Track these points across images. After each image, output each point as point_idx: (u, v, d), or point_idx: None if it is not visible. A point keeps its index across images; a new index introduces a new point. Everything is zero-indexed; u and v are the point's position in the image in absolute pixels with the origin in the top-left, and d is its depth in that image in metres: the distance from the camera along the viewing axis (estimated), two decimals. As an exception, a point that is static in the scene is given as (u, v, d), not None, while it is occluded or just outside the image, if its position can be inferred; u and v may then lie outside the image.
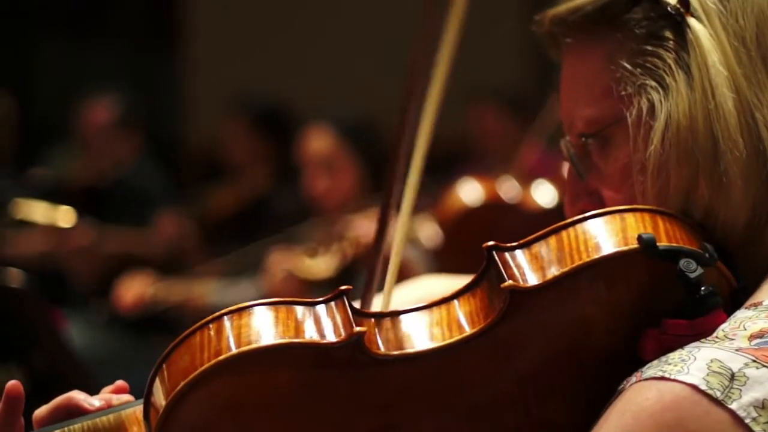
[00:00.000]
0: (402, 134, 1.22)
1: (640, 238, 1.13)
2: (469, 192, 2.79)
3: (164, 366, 1.04)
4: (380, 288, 1.23)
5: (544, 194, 2.84)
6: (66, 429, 1.14)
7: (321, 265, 2.81)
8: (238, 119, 4.74)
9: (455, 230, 2.73)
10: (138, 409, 1.09)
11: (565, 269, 1.11)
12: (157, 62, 7.82)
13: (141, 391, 1.11)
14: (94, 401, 1.17)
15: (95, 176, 5.06)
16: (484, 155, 5.58)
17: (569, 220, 1.16)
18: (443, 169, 4.97)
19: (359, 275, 3.36)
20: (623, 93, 1.27)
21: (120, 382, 1.21)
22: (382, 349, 1.07)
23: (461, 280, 1.38)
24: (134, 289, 4.20)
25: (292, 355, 1.04)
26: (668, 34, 1.27)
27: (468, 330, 1.10)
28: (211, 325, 1.04)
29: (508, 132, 5.49)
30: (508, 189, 2.83)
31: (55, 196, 2.98)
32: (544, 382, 1.14)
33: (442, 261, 2.62)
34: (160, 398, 1.04)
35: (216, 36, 7.23)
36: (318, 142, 3.54)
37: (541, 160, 5.15)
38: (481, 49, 6.86)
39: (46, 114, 8.83)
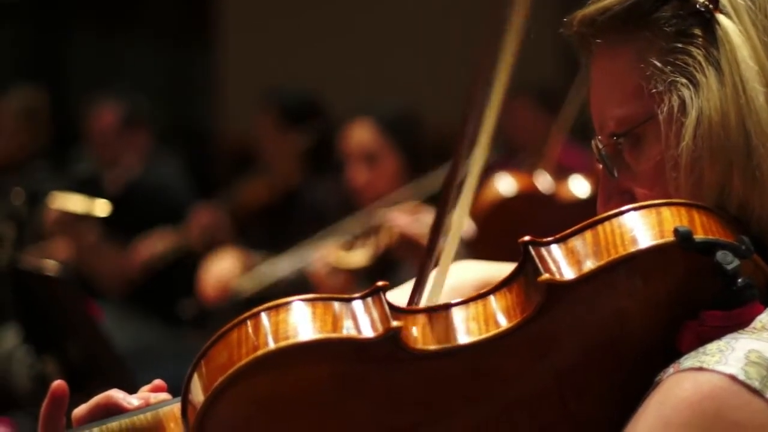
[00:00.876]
0: (465, 129, 1.22)
1: (676, 231, 1.13)
2: (504, 184, 2.79)
3: (202, 363, 1.05)
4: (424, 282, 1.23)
5: (578, 186, 2.84)
6: (104, 427, 1.14)
7: (358, 257, 2.82)
8: (270, 112, 4.73)
9: (489, 221, 2.72)
10: (176, 406, 1.10)
11: (602, 263, 1.11)
12: (191, 56, 7.84)
13: (175, 382, 1.11)
14: (133, 400, 1.17)
15: (112, 185, 5.07)
16: (518, 150, 5.57)
17: (605, 214, 1.16)
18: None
19: (397, 267, 3.37)
20: (654, 91, 1.27)
21: (157, 381, 1.21)
22: (419, 344, 1.07)
23: (492, 266, 1.38)
24: (218, 279, 4.20)
25: (329, 351, 1.04)
26: (697, 31, 1.27)
27: (505, 325, 1.10)
28: (248, 322, 1.05)
29: (540, 127, 5.48)
30: (543, 181, 2.83)
31: (91, 188, 3.01)
32: (580, 376, 1.14)
33: (475, 252, 2.62)
34: (197, 395, 1.04)
35: (249, 29, 7.24)
36: (360, 135, 3.55)
37: (567, 151, 5.14)
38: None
39: (79, 108, 8.87)
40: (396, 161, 3.40)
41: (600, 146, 1.33)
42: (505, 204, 2.74)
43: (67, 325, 2.78)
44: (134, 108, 5.20)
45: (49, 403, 1.17)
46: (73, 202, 3.12)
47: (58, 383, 1.17)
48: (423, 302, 1.17)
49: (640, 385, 1.13)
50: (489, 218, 2.73)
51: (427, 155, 3.46)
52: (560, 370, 1.12)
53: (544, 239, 1.14)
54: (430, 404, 1.10)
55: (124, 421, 1.13)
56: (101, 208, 3.23)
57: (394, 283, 1.19)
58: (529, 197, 2.77)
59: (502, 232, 2.69)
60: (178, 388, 1.11)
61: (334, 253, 2.86)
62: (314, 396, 1.05)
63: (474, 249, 2.65)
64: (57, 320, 2.81)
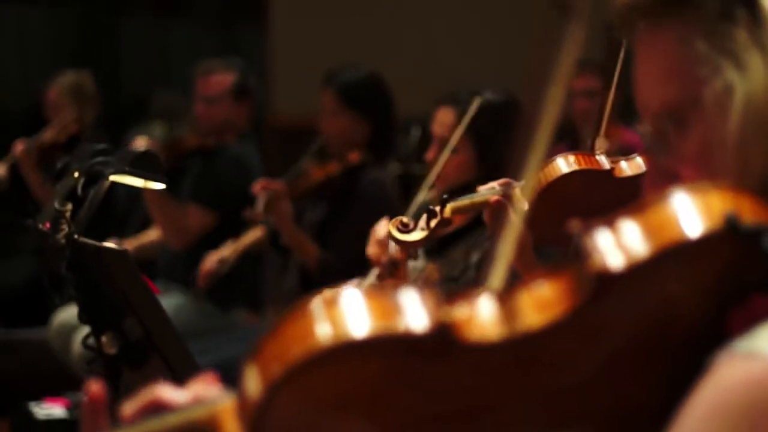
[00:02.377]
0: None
1: (725, 216, 1.11)
2: (563, 160, 2.77)
3: (256, 359, 1.04)
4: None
5: (636, 162, 2.82)
6: (154, 426, 1.12)
7: (415, 238, 2.80)
8: (328, 94, 4.72)
9: (545, 196, 2.70)
10: (231, 402, 1.08)
11: (651, 250, 1.10)
12: (244, 37, 7.86)
13: (229, 365, 1.09)
14: (183, 395, 1.13)
15: (201, 142, 5.10)
16: (577, 134, 5.56)
17: (653, 199, 1.14)
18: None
19: (448, 245, 3.35)
20: (698, 73, 1.26)
21: (209, 373, 1.17)
22: (473, 336, 1.07)
23: None
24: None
25: (382, 347, 1.03)
26: (740, 12, 1.26)
27: (555, 313, 1.09)
28: (302, 316, 1.04)
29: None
30: (601, 158, 2.81)
31: (148, 166, 3.01)
32: (630, 362, 1.13)
33: (528, 227, 2.60)
34: (252, 393, 1.03)
35: (300, 11, 7.24)
36: (443, 120, 3.55)
37: (627, 132, 5.12)
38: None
39: (131, 93, 8.92)
40: (469, 149, 3.41)
41: (646, 129, 1.32)
42: (563, 179, 2.72)
43: (126, 302, 2.78)
44: (243, 80, 5.22)
45: (87, 410, 1.14)
46: (130, 182, 3.12)
47: (94, 387, 1.14)
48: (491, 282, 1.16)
49: (690, 369, 1.11)
50: (545, 193, 2.71)
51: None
52: (609, 357, 1.12)
53: (594, 225, 1.13)
54: (480, 392, 1.09)
55: (177, 419, 1.10)
56: (157, 186, 3.23)
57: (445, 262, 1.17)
58: (587, 173, 2.75)
59: (557, 207, 2.68)
60: (232, 372, 1.09)
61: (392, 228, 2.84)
62: (367, 389, 1.04)
63: (527, 224, 2.63)
64: (116, 298, 2.81)
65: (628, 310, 1.11)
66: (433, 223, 2.78)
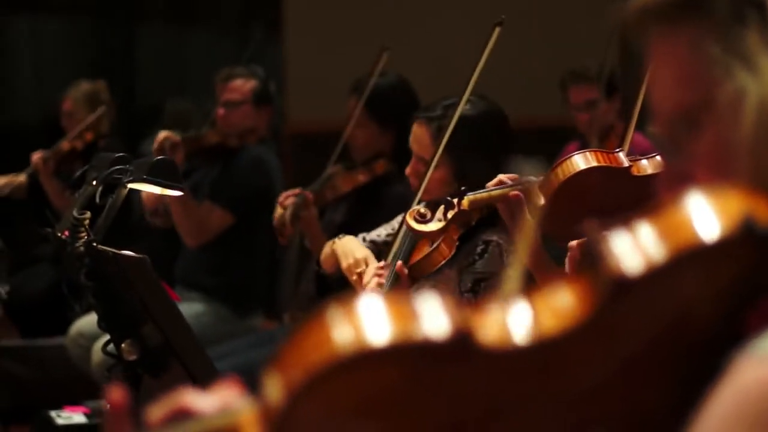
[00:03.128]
0: None
1: (742, 219, 1.11)
2: (580, 157, 2.77)
3: (276, 367, 1.04)
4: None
5: (653, 161, 2.82)
6: (179, 431, 1.12)
7: (432, 228, 2.81)
8: (354, 103, 4.72)
9: (562, 192, 2.71)
10: (251, 410, 1.08)
11: (668, 253, 1.09)
12: (259, 45, 7.86)
13: (249, 371, 1.09)
14: (207, 401, 1.12)
15: (222, 140, 5.12)
16: (586, 137, 5.56)
17: (669, 202, 1.14)
18: (549, 151, 4.95)
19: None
20: (711, 76, 1.26)
21: (232, 378, 1.17)
22: (491, 341, 1.07)
23: None
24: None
25: (404, 353, 1.04)
26: (752, 15, 1.26)
27: (572, 318, 1.09)
28: (321, 324, 1.04)
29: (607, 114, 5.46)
30: (619, 156, 2.81)
31: (166, 174, 3.04)
32: (647, 365, 1.13)
33: (544, 223, 2.60)
34: (274, 401, 1.03)
35: (316, 18, 7.25)
36: (416, 135, 3.55)
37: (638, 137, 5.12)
38: (582, 32, 6.81)
39: (147, 101, 8.93)
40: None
41: (659, 132, 1.33)
42: (581, 176, 2.72)
43: (145, 309, 2.79)
44: (264, 86, 5.24)
45: (110, 416, 1.14)
46: (148, 189, 3.14)
47: (116, 393, 1.13)
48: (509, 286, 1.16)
49: (708, 370, 1.11)
50: (563, 189, 2.71)
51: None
52: (626, 360, 1.11)
53: (610, 229, 1.13)
54: (497, 397, 1.09)
55: (199, 427, 1.10)
56: (175, 193, 3.25)
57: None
58: (605, 170, 2.75)
59: (574, 203, 2.69)
60: (251, 377, 1.09)
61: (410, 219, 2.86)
62: (388, 395, 1.04)
63: (543, 219, 2.63)
64: (135, 305, 2.82)
65: (644, 314, 1.11)
66: (450, 214, 2.79)
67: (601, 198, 2.74)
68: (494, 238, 3.18)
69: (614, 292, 1.08)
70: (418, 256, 3.20)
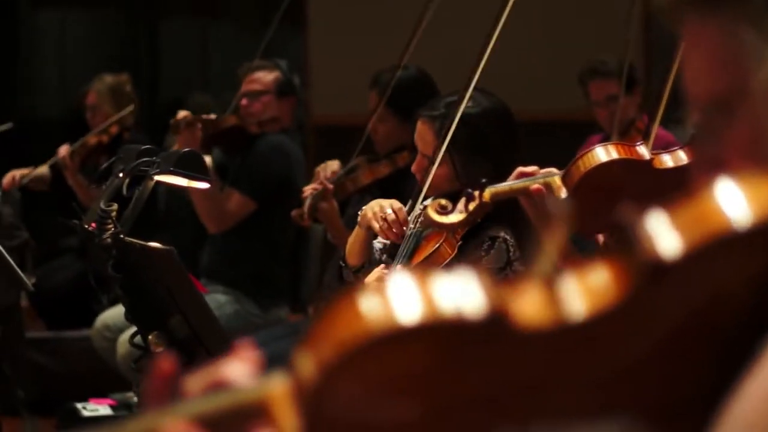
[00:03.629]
0: None
1: None
2: (602, 150, 2.78)
3: (308, 344, 1.05)
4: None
5: (676, 154, 2.83)
6: (207, 404, 1.12)
7: (453, 220, 2.82)
8: (374, 96, 4.73)
9: (583, 185, 2.72)
10: (285, 385, 1.09)
11: (702, 238, 1.10)
12: (283, 38, 7.87)
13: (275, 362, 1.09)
14: (245, 375, 1.11)
15: (241, 123, 5.14)
16: (607, 131, 5.56)
17: (703, 187, 1.15)
18: (570, 144, 4.95)
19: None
20: (746, 63, 1.26)
21: (256, 354, 1.16)
22: (524, 321, 1.07)
23: None
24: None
25: (436, 332, 1.04)
26: None
27: (606, 300, 1.09)
28: (352, 302, 1.05)
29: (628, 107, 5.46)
30: (641, 149, 2.82)
31: (192, 167, 3.06)
32: (680, 348, 1.13)
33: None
34: (305, 378, 1.04)
35: (339, 11, 7.26)
36: (420, 133, 3.56)
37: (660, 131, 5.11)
38: (600, 25, 6.81)
39: (170, 95, 8.96)
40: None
41: (692, 119, 1.32)
42: (602, 168, 2.73)
43: (173, 301, 2.81)
44: (287, 78, 5.25)
45: (156, 379, 1.12)
46: (174, 181, 3.16)
47: (165, 358, 1.12)
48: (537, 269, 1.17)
49: (739, 355, 1.11)
50: (584, 181, 2.72)
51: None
52: (659, 343, 1.11)
53: (645, 212, 1.13)
54: (528, 377, 1.09)
55: (229, 399, 1.08)
56: (202, 185, 3.27)
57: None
58: (626, 163, 2.76)
59: (595, 196, 2.70)
60: (277, 367, 1.09)
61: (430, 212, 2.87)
62: (419, 373, 1.05)
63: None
64: (162, 296, 2.84)
65: (679, 297, 1.11)
66: (471, 206, 2.79)
67: (622, 190, 2.74)
68: (500, 234, 3.19)
69: (649, 275, 1.08)
70: (419, 257, 3.22)
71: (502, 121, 3.39)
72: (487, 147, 3.31)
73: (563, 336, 1.07)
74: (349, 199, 4.74)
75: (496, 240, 3.21)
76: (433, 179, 3.29)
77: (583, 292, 1.09)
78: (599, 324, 1.08)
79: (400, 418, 1.07)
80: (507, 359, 1.07)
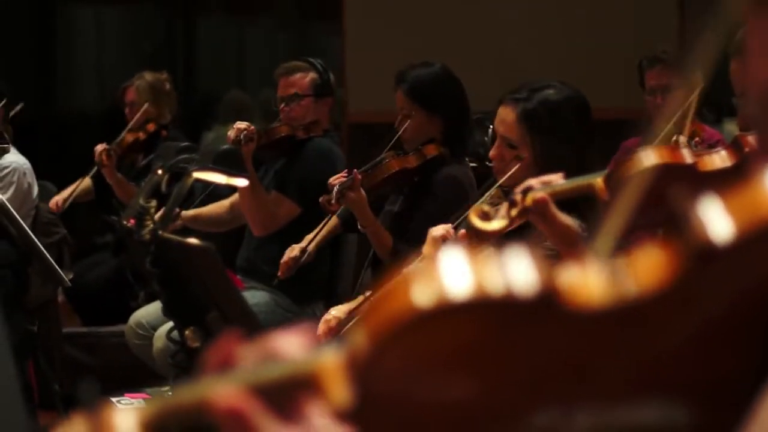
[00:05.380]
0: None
1: None
2: (645, 154, 2.78)
3: (361, 321, 1.06)
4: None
5: (719, 156, 2.82)
6: (260, 373, 1.13)
7: (495, 227, 2.81)
8: (399, 93, 4.74)
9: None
10: (336, 359, 1.10)
11: (753, 223, 1.10)
12: (318, 36, 7.90)
13: None
14: (297, 347, 1.16)
15: (292, 132, 5.15)
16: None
17: (759, 174, 1.15)
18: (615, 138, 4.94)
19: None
20: None
21: (310, 330, 1.18)
22: (576, 301, 1.07)
23: None
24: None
25: (486, 309, 1.04)
26: None
27: (657, 282, 1.10)
28: (405, 277, 1.06)
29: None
30: (684, 152, 2.82)
31: (230, 162, 3.08)
32: (727, 331, 1.13)
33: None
34: (358, 351, 1.05)
35: (376, 8, 7.26)
36: (503, 117, 3.56)
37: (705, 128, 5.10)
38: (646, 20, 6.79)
39: (207, 92, 8.99)
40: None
41: (751, 108, 1.32)
42: (645, 173, 2.73)
43: (210, 296, 2.82)
44: (324, 78, 5.27)
45: (217, 353, 1.10)
46: (213, 178, 3.17)
47: (231, 337, 1.10)
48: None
49: None
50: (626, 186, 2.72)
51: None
52: (706, 325, 1.12)
53: (700, 196, 1.13)
54: (579, 356, 1.10)
55: (281, 370, 1.09)
56: (240, 182, 3.28)
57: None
58: (669, 167, 2.76)
59: (639, 199, 2.69)
60: None
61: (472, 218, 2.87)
62: (470, 349, 1.05)
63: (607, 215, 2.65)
64: (200, 292, 2.85)
65: (728, 281, 1.11)
66: (514, 212, 2.78)
67: (664, 193, 2.74)
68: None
69: (700, 259, 1.08)
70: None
71: (583, 110, 3.41)
72: (570, 134, 3.34)
73: (613, 317, 1.08)
74: (385, 196, 4.75)
75: None
76: (517, 171, 3.30)
77: (634, 273, 1.09)
78: (649, 306, 1.08)
79: (447, 394, 1.07)
80: (555, 339, 1.07)
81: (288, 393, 1.07)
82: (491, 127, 3.67)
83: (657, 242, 1.11)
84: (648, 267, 1.10)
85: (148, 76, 6.36)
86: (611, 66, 5.86)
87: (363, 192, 4.45)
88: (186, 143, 6.28)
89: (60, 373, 5.67)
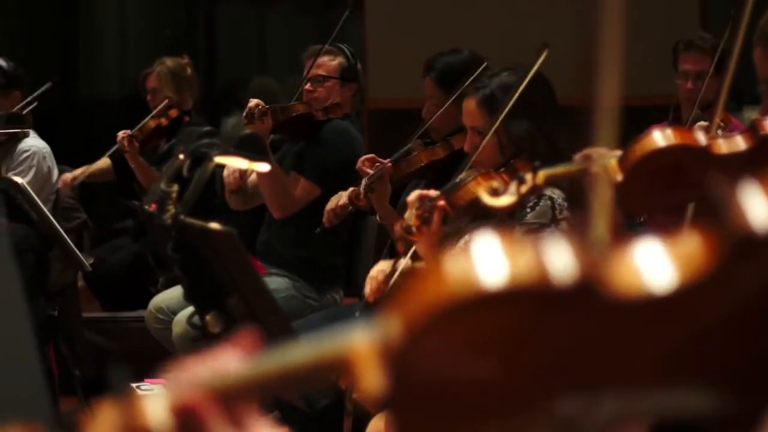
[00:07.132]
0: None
1: None
2: (660, 134, 2.77)
3: (395, 307, 1.06)
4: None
5: (734, 140, 2.80)
6: (289, 357, 1.13)
7: (504, 203, 2.82)
8: (427, 81, 4.72)
9: (639, 169, 2.71)
10: (368, 344, 1.10)
11: None
12: (335, 25, 7.88)
13: None
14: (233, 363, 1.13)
15: (309, 111, 5.15)
16: (680, 113, 5.52)
17: None
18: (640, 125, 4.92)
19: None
20: None
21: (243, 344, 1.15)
22: (614, 289, 1.07)
23: None
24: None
25: (521, 298, 1.04)
26: None
27: (694, 271, 1.09)
28: (438, 266, 1.05)
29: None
30: (700, 135, 2.80)
31: (251, 147, 3.07)
32: (761, 318, 1.13)
33: (620, 198, 2.63)
34: (392, 337, 1.05)
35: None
36: (467, 109, 3.63)
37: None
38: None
39: (228, 78, 8.99)
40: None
41: None
42: (658, 153, 2.72)
43: (231, 282, 2.82)
44: (350, 64, 5.27)
45: (238, 343, 1.13)
46: (235, 163, 3.17)
47: (248, 335, 1.13)
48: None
49: None
50: (639, 165, 2.72)
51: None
52: (740, 312, 1.11)
53: (738, 184, 1.12)
54: (611, 345, 1.09)
55: (314, 353, 1.11)
56: (262, 167, 3.28)
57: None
58: (684, 149, 2.74)
59: (650, 180, 2.69)
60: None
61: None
62: (505, 335, 1.05)
63: (620, 194, 2.67)
64: (221, 277, 2.85)
65: (765, 268, 1.10)
66: (523, 188, 2.80)
67: (679, 176, 2.74)
68: (547, 192, 3.27)
69: (740, 246, 1.07)
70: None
71: (544, 89, 3.52)
72: (533, 114, 3.44)
73: (650, 305, 1.07)
74: (405, 185, 4.74)
75: (542, 197, 3.30)
76: (480, 152, 3.39)
77: (672, 262, 1.09)
78: (686, 294, 1.07)
79: (480, 378, 1.07)
80: (589, 326, 1.06)
81: (240, 402, 1.10)
82: None
83: (695, 230, 1.10)
84: (688, 255, 1.09)
85: (169, 61, 6.36)
86: (635, 53, 5.83)
87: (389, 185, 4.45)
88: (208, 128, 6.30)
89: (80, 359, 5.68)
